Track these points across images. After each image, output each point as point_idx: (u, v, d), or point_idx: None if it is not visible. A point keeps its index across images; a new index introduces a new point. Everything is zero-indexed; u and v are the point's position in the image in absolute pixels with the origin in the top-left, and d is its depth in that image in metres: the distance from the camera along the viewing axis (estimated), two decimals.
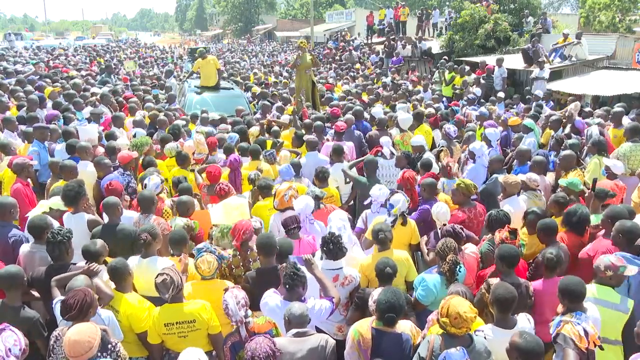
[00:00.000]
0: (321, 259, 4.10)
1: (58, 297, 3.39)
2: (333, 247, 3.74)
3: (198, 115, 8.73)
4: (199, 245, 3.90)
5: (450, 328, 2.84)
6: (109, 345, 2.96)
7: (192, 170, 6.06)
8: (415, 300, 3.83)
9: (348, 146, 7.03)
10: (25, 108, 8.39)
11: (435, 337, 2.90)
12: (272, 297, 3.46)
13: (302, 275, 3.40)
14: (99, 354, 2.82)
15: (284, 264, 3.60)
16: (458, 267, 3.63)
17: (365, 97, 11.49)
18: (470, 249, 4.25)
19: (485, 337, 3.05)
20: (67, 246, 3.76)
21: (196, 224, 4.67)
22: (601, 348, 3.00)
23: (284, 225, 4.32)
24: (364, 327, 3.12)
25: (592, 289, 3.41)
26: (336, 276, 3.81)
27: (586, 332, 2.91)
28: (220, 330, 3.40)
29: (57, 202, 4.58)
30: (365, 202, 5.03)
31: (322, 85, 12.56)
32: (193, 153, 6.64)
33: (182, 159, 5.94)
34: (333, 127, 7.33)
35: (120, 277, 3.51)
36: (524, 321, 3.19)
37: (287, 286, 3.36)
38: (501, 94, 11.42)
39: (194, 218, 4.74)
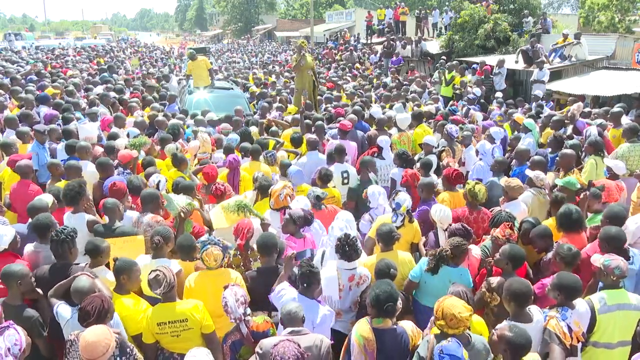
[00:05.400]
0: (322, 259, 4.13)
1: (58, 302, 3.39)
2: (348, 249, 3.75)
3: (197, 115, 8.75)
4: (202, 238, 3.91)
5: (448, 329, 2.88)
6: (128, 349, 3.00)
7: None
8: (408, 281, 3.91)
9: (352, 146, 7.04)
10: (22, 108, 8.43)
11: (434, 337, 2.93)
12: (288, 291, 3.48)
13: (317, 272, 3.47)
14: (117, 358, 2.86)
15: (298, 261, 3.66)
16: (442, 263, 3.72)
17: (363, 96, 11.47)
18: (475, 250, 4.25)
19: None
20: (70, 245, 3.76)
21: (192, 204, 4.67)
22: (584, 344, 3.04)
23: (304, 218, 4.33)
24: (365, 329, 3.13)
25: (606, 296, 3.35)
26: (352, 276, 3.83)
27: (570, 329, 2.99)
28: (214, 329, 3.41)
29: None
30: (370, 205, 5.09)
31: (323, 86, 12.54)
32: (195, 155, 6.65)
33: (178, 161, 5.89)
34: (338, 125, 7.32)
35: (121, 274, 3.50)
36: (538, 314, 3.21)
37: (305, 284, 3.42)
38: (499, 94, 11.44)
39: (194, 218, 4.74)
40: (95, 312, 2.93)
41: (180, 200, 4.56)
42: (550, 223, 4.56)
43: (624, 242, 3.81)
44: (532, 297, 3.21)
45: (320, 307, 3.44)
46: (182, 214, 4.47)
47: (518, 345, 2.68)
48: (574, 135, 7.38)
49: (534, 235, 4.23)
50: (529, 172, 5.31)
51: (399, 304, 3.22)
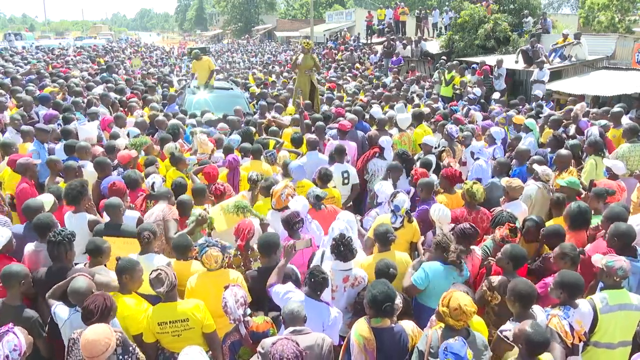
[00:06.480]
0: (321, 259, 4.12)
1: (56, 303, 3.39)
2: (344, 249, 3.75)
3: (196, 115, 8.75)
4: (200, 241, 3.91)
5: (448, 319, 2.89)
6: (130, 348, 3.01)
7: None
8: (411, 285, 3.86)
9: (352, 146, 7.04)
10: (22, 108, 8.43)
11: (434, 332, 2.95)
12: (295, 294, 3.47)
13: (327, 278, 3.46)
14: (120, 357, 2.87)
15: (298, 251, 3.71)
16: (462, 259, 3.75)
17: (362, 96, 11.49)
18: (478, 251, 4.25)
19: None
20: (67, 248, 3.72)
21: (212, 219, 4.66)
22: (586, 344, 3.04)
23: (287, 221, 4.28)
24: (365, 329, 3.14)
25: (607, 296, 3.35)
26: (346, 277, 3.82)
27: (571, 327, 3.01)
28: (215, 329, 3.40)
29: None
30: (378, 201, 5.10)
31: (322, 86, 12.54)
32: (195, 152, 6.64)
33: (176, 161, 5.89)
34: (338, 126, 7.31)
35: (124, 274, 3.48)
36: (541, 313, 3.21)
37: (319, 292, 3.42)
38: (497, 95, 11.44)
39: None
40: (98, 311, 2.94)
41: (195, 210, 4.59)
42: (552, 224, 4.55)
43: (634, 238, 3.78)
44: (536, 297, 3.21)
45: (331, 309, 3.43)
46: (200, 217, 4.46)
47: (536, 343, 2.68)
48: (577, 135, 7.37)
49: (550, 235, 4.16)
50: (536, 167, 5.32)
51: (399, 302, 3.22)
